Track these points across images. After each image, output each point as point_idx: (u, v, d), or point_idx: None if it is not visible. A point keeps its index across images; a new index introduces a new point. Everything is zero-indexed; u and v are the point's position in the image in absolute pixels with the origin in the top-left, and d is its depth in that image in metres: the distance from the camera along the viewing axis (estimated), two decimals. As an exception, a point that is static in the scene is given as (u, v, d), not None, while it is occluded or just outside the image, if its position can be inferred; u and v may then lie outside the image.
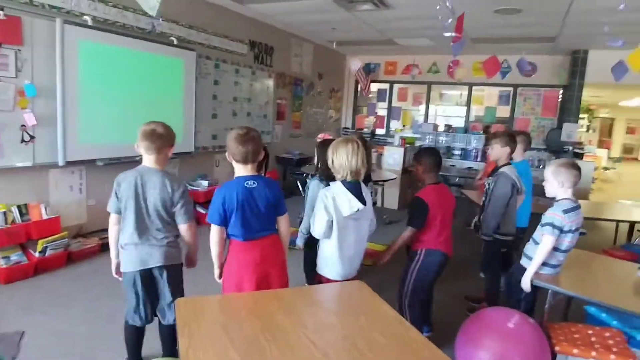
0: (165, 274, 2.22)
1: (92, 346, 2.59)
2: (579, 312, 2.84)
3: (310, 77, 8.01)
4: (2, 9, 3.36)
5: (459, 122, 8.84)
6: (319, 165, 2.85)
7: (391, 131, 9.23)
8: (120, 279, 2.27)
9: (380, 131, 9.34)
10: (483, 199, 3.21)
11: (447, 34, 3.70)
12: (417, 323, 1.81)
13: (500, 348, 2.11)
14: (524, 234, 3.33)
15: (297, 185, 6.36)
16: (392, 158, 6.72)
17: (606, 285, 2.54)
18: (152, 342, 2.40)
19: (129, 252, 2.17)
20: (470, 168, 8.03)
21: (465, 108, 8.72)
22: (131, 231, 2.14)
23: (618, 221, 4.88)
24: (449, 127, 8.65)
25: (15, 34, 3.48)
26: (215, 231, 2.04)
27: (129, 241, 2.15)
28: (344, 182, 2.27)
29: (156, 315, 2.31)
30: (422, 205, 2.63)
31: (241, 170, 2.04)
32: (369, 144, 2.99)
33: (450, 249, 2.75)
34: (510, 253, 3.42)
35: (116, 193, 2.14)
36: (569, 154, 7.06)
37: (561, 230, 2.39)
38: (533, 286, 2.46)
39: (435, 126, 8.75)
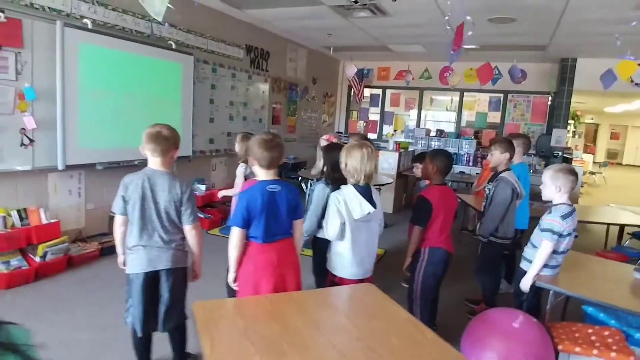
0: (171, 277, 2.22)
1: (98, 354, 2.56)
2: (576, 312, 2.93)
3: (305, 82, 8.07)
4: (2, 11, 3.35)
5: (449, 127, 9.02)
6: (325, 169, 2.89)
7: (384, 136, 9.33)
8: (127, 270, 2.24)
9: (372, 136, 9.43)
10: (484, 203, 3.28)
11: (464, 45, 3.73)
12: (427, 324, 1.85)
13: (506, 348, 2.16)
14: (523, 236, 3.41)
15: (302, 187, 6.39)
16: (387, 162, 6.79)
17: (604, 285, 2.62)
18: (159, 346, 2.41)
19: (137, 254, 2.16)
20: (462, 172, 8.15)
21: (454, 113, 8.88)
22: (139, 233, 2.14)
23: (609, 224, 5.01)
24: (440, 132, 8.78)
25: (16, 36, 3.47)
26: (237, 234, 2.06)
27: (136, 243, 2.15)
28: (355, 185, 2.32)
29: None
30: (426, 204, 2.69)
31: (264, 174, 2.08)
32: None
33: (451, 247, 2.82)
34: (512, 256, 3.49)
35: (123, 195, 2.13)
36: (558, 159, 7.23)
37: (560, 235, 2.48)
38: (537, 288, 2.53)
39: (428, 131, 8.88)
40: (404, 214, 6.39)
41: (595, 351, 2.25)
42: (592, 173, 12.94)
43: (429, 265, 2.72)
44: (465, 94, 8.70)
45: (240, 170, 3.76)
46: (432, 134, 8.84)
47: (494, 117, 8.44)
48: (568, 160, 7.41)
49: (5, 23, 3.37)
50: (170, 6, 2.74)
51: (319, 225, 2.57)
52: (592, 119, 19.29)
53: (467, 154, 8.31)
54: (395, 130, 10.08)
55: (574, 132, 14.94)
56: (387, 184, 5.88)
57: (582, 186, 7.96)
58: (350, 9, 5.02)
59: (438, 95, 9.72)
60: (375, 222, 2.43)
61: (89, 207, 4.23)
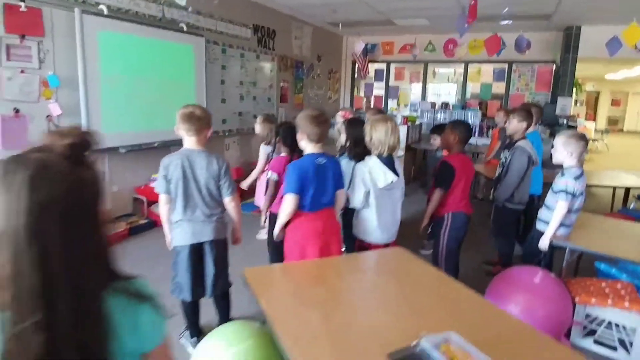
0: (214, 248, 2.39)
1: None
2: (589, 269, 3.11)
3: (310, 59, 8.09)
4: (23, 0, 3.41)
5: (451, 100, 9.08)
6: (348, 144, 3.01)
7: (388, 110, 9.39)
8: None
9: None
10: (500, 170, 3.43)
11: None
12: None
13: (528, 302, 2.34)
14: (539, 201, 3.57)
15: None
16: (395, 136, 6.89)
17: (616, 242, 2.80)
18: (204, 312, 2.59)
19: (182, 227, 2.32)
20: (469, 143, 8.25)
21: (455, 85, 8.93)
22: (183, 209, 2.29)
23: (616, 187, 5.18)
24: (446, 105, 8.84)
25: (37, 25, 3.54)
26: (292, 201, 2.17)
27: (181, 218, 2.30)
28: (379, 156, 2.46)
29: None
30: (449, 169, 2.85)
31: (312, 148, 2.21)
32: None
33: (470, 210, 3.00)
34: (527, 218, 3.65)
35: (165, 175, 2.26)
36: (563, 128, 7.33)
37: (573, 195, 2.64)
38: (551, 246, 2.71)
39: (433, 104, 8.93)
40: (413, 187, 6.53)
41: (609, 301, 2.43)
42: (594, 140, 13.05)
43: (452, 230, 2.89)
44: (468, 65, 8.72)
45: (263, 150, 3.89)
46: (437, 106, 8.91)
47: (499, 87, 8.49)
48: (573, 128, 7.51)
49: (26, 12, 3.44)
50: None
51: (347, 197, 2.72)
52: (592, 86, 19.27)
53: (473, 125, 8.39)
54: (398, 105, 10.13)
55: (575, 100, 14.96)
56: (398, 157, 6.00)
57: (587, 153, 8.07)
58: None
59: (440, 67, 9.71)
60: (397, 189, 2.59)
61: (114, 190, 4.38)
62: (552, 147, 2.77)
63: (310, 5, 6.47)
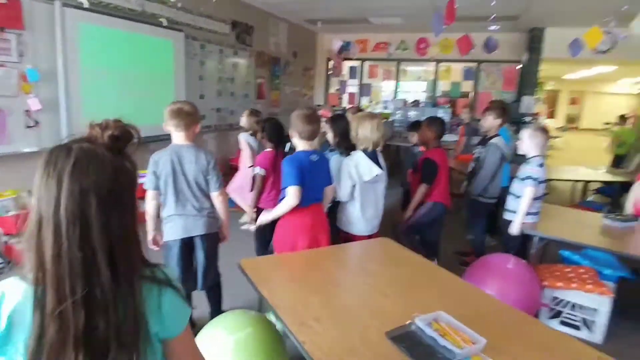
0: (205, 241, 2.45)
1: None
2: (553, 256, 3.38)
3: (286, 56, 8.16)
4: (1, -7, 3.34)
5: (420, 97, 9.38)
6: (335, 139, 3.10)
7: (361, 107, 9.57)
8: (156, 248, 2.40)
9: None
10: (473, 165, 3.64)
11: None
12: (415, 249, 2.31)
13: (502, 286, 2.55)
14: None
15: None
16: (370, 133, 7.07)
17: (579, 231, 3.06)
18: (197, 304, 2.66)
19: (173, 222, 2.36)
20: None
21: (425, 83, 9.24)
22: (174, 204, 2.33)
23: (576, 181, 5.55)
24: (417, 102, 9.12)
25: (17, 18, 3.47)
26: (295, 191, 2.23)
27: (172, 212, 2.34)
28: (365, 151, 2.61)
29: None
30: (433, 165, 3.04)
31: (304, 145, 2.32)
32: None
33: (449, 203, 3.23)
34: (496, 213, 3.90)
35: (154, 171, 2.29)
36: (528, 124, 7.72)
37: (538, 181, 2.91)
38: (524, 235, 2.94)
39: (405, 101, 9.19)
40: (389, 181, 6.72)
41: (574, 284, 2.68)
42: (554, 137, 13.71)
43: (427, 214, 3.14)
44: (439, 64, 9.01)
45: (244, 139, 3.96)
46: (408, 104, 9.17)
47: (468, 86, 8.82)
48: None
49: (6, 5, 3.37)
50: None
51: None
52: (552, 85, 20.16)
53: (444, 122, 8.69)
54: (370, 102, 10.33)
55: (537, 98, 15.63)
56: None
57: (549, 148, 8.54)
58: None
59: (410, 66, 9.96)
60: (381, 183, 2.75)
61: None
62: (518, 139, 3.05)
63: (287, 2, 6.53)
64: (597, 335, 2.66)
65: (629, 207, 3.50)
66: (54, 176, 0.73)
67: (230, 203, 4.74)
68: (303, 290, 1.86)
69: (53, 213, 0.72)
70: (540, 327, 1.70)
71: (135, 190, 0.85)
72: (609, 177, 5.26)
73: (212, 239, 2.52)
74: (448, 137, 8.01)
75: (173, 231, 2.38)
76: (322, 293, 1.84)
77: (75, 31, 3.84)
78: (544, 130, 3.05)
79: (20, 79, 3.55)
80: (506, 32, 7.81)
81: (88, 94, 4.02)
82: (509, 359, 1.42)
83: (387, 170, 2.80)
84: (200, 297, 2.63)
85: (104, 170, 0.76)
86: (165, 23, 4.88)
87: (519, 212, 2.93)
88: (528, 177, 2.91)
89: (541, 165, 2.94)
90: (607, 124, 17.41)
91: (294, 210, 2.29)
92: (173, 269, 2.40)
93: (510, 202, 3.08)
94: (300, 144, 2.34)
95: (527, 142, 2.98)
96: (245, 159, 3.99)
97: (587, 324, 2.71)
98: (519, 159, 3.20)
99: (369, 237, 2.71)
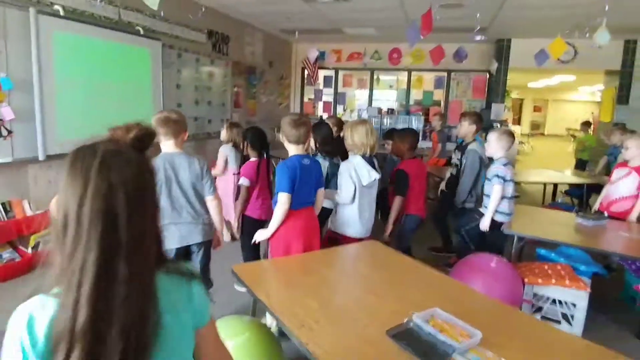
0: (202, 249, 2.45)
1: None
2: (530, 255, 3.52)
3: (262, 65, 8.18)
4: (-28, -1, 3.24)
5: (393, 106, 9.62)
6: (317, 145, 3.15)
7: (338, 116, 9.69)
8: None
9: (325, 116, 9.76)
10: (453, 171, 3.77)
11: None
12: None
13: (486, 283, 2.64)
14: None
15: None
16: (348, 140, 7.17)
17: (555, 229, 3.21)
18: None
19: (169, 231, 2.33)
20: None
21: (396, 92, 9.49)
22: (169, 212, 2.32)
23: (546, 184, 5.80)
24: (391, 110, 9.31)
25: (-12, 25, 3.37)
26: (286, 198, 2.27)
27: (169, 220, 2.33)
28: (363, 156, 2.67)
29: None
30: (404, 176, 3.13)
31: (295, 149, 2.35)
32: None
33: (424, 213, 3.32)
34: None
35: None
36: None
37: (504, 180, 3.05)
38: (503, 235, 3.06)
39: (380, 110, 9.36)
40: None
41: (553, 280, 2.80)
42: (521, 142, 14.27)
43: (404, 229, 3.21)
44: (411, 73, 9.25)
45: (222, 152, 3.95)
46: (383, 112, 9.36)
47: (439, 94, 9.09)
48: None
49: (-23, 11, 3.27)
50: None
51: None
52: (517, 94, 21.01)
53: (417, 129, 8.91)
54: (345, 110, 10.47)
55: (504, 106, 16.24)
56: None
57: (518, 153, 8.90)
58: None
59: (383, 75, 10.18)
60: (375, 188, 2.81)
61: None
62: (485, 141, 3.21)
63: (263, 13, 6.58)
64: (577, 328, 2.79)
65: (597, 206, 3.71)
66: (80, 174, 0.74)
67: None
68: (301, 293, 1.88)
69: (76, 211, 0.72)
70: (530, 320, 1.79)
71: (156, 188, 0.87)
72: (576, 180, 5.53)
73: (207, 247, 2.52)
74: (423, 144, 8.27)
75: (167, 240, 2.35)
76: (320, 295, 1.87)
77: (50, 39, 3.75)
78: (510, 133, 3.24)
79: (-8, 88, 3.43)
80: (476, 42, 8.12)
81: (63, 103, 3.92)
82: (504, 350, 1.48)
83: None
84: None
85: (130, 167, 0.78)
86: (142, 32, 4.82)
87: (488, 210, 3.08)
88: (495, 176, 3.09)
89: (506, 164, 3.13)
90: (570, 129, 18.32)
91: (290, 212, 2.32)
92: None
93: (485, 202, 3.24)
94: (291, 149, 2.38)
95: (494, 145, 3.17)
96: (216, 171, 3.96)
97: (567, 318, 2.84)
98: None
99: (360, 239, 2.76)
